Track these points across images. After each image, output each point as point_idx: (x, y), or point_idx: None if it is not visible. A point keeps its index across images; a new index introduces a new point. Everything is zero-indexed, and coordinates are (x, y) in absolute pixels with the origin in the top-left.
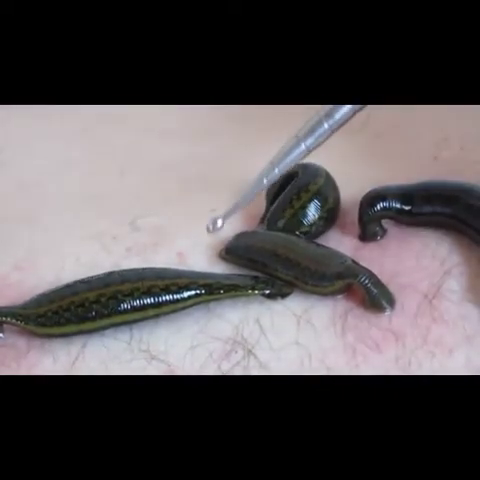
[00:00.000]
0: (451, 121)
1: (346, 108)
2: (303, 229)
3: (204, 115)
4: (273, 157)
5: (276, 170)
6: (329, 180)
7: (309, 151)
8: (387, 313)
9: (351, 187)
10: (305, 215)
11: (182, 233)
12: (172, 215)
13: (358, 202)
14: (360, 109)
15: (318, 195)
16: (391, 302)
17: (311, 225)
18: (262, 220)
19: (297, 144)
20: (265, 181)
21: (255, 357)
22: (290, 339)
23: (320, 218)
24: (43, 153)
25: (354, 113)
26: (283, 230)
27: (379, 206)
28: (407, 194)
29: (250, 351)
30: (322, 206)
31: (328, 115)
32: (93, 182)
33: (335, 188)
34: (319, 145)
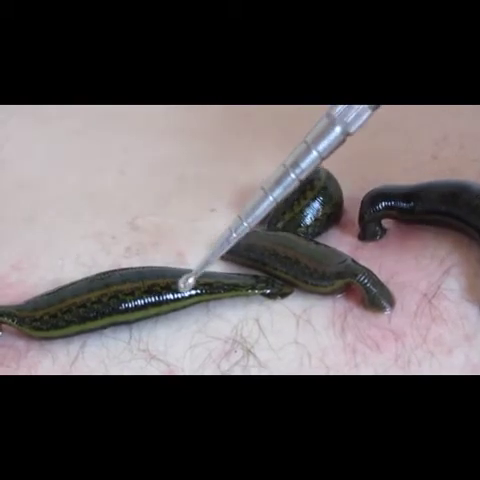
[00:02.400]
0: (450, 120)
1: (312, 157)
2: (301, 230)
3: (203, 115)
4: (241, 210)
5: (245, 224)
6: (330, 180)
7: (277, 202)
8: (386, 312)
9: (350, 187)
10: (305, 217)
11: (181, 232)
12: (171, 214)
13: (357, 201)
14: (326, 157)
15: (320, 195)
16: (390, 302)
17: (310, 226)
18: (261, 221)
19: (265, 197)
20: (234, 235)
21: (254, 356)
22: (289, 339)
23: (323, 215)
24: (43, 153)
25: (321, 160)
26: (283, 229)
27: (381, 205)
28: (408, 193)
29: (249, 351)
30: (325, 205)
31: (293, 165)
32: (93, 182)
33: (337, 189)
34: (287, 195)
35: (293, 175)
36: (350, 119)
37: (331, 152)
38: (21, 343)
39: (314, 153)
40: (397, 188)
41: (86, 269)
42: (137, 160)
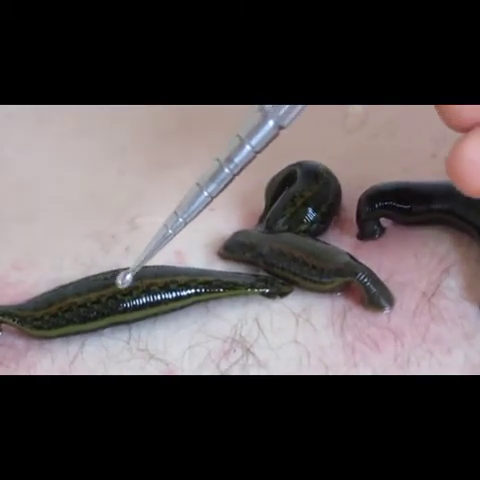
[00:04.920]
0: None
1: (245, 151)
2: (303, 227)
3: (203, 115)
4: (176, 207)
5: (180, 219)
6: (330, 177)
7: (212, 197)
8: (386, 312)
9: (350, 185)
10: (305, 213)
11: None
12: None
13: (356, 201)
14: (260, 151)
15: (318, 194)
16: (390, 300)
17: (311, 223)
18: (261, 219)
19: (199, 192)
20: (170, 231)
21: (254, 356)
22: (289, 338)
23: (320, 215)
24: (43, 153)
25: (255, 155)
26: (285, 226)
27: (377, 204)
28: (405, 193)
29: (249, 350)
30: (322, 204)
31: (228, 160)
32: (92, 181)
33: (336, 185)
34: (222, 190)
35: (227, 170)
36: (282, 112)
37: (265, 146)
38: (21, 343)
39: (247, 147)
40: (393, 187)
41: (85, 268)
42: (136, 160)
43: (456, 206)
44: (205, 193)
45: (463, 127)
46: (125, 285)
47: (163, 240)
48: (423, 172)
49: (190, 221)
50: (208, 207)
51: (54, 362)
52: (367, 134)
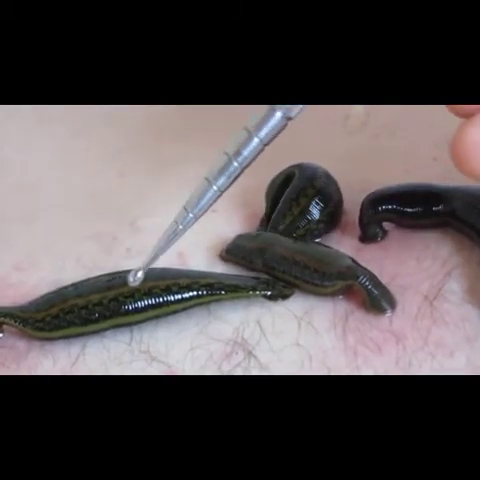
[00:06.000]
0: (451, 121)
1: (254, 143)
2: (302, 232)
3: (204, 115)
4: (186, 202)
5: (190, 215)
6: (329, 180)
7: (222, 192)
8: (388, 315)
9: (351, 188)
10: (305, 218)
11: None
12: (172, 215)
13: (358, 203)
14: (268, 143)
15: (319, 196)
16: (392, 303)
17: (311, 226)
18: (262, 222)
19: (209, 187)
20: (180, 227)
21: (255, 358)
22: (291, 340)
23: (320, 221)
24: (43, 153)
25: (263, 147)
26: (284, 233)
27: (380, 208)
28: (408, 196)
29: (250, 352)
30: (323, 208)
31: (236, 153)
32: (93, 182)
33: (337, 189)
34: (231, 184)
35: (236, 163)
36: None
37: (273, 137)
38: (22, 344)
39: (256, 140)
40: (396, 191)
41: (87, 270)
42: (137, 161)
43: (458, 209)
44: (214, 187)
45: (466, 112)
46: (136, 282)
47: (174, 236)
48: (425, 173)
49: (201, 216)
50: (210, 209)
51: (55, 363)
52: (368, 135)
